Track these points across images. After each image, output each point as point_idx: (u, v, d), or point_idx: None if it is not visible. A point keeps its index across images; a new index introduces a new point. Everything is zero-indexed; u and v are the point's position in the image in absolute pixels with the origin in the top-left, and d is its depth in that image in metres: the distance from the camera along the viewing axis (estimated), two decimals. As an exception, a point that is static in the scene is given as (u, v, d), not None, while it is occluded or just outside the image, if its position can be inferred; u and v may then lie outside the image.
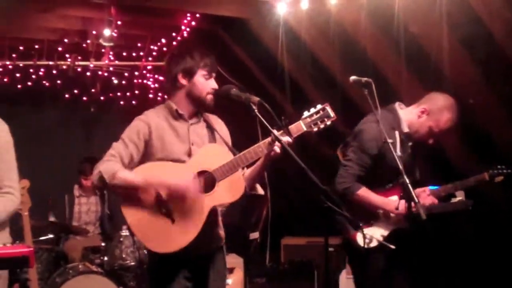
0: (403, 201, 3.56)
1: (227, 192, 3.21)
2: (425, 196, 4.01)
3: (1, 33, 6.87)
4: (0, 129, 3.16)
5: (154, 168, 3.23)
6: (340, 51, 5.64)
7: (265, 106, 2.99)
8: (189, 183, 3.12)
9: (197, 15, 6.62)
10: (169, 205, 3.16)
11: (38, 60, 7.35)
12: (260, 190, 3.43)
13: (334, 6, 5.04)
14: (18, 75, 7.50)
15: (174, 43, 7.23)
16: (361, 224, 3.57)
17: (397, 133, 3.94)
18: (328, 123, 3.23)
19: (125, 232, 5.74)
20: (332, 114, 3.22)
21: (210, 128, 3.40)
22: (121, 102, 8.34)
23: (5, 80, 7.50)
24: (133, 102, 8.35)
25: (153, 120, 3.29)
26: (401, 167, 3.40)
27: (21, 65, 7.40)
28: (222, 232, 3.45)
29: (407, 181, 3.35)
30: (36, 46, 7.25)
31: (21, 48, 7.25)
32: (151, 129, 3.25)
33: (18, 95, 7.71)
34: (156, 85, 8.21)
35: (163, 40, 7.39)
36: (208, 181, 3.20)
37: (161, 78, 8.06)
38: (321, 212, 2.82)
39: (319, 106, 3.23)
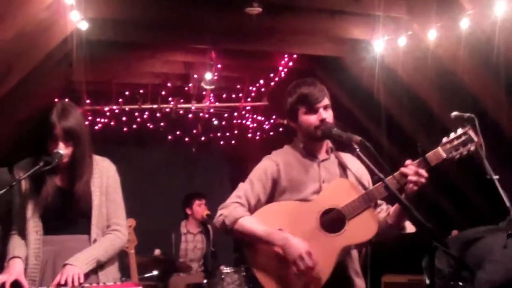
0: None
1: (359, 230, 2.91)
2: None
3: (108, 79, 7.21)
4: (108, 169, 3.28)
5: (276, 210, 3.04)
6: (438, 86, 5.58)
7: (367, 145, 2.84)
8: (303, 254, 2.82)
9: (294, 56, 6.74)
10: None
11: (142, 103, 7.65)
12: (410, 228, 3.05)
13: (432, 41, 5.01)
14: (124, 118, 7.82)
15: (272, 83, 7.38)
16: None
17: None
18: (472, 148, 2.86)
19: (226, 269, 5.82)
20: (475, 138, 2.85)
21: (342, 166, 3.16)
22: (221, 142, 8.56)
23: (112, 123, 7.83)
24: (232, 141, 8.56)
25: (282, 158, 3.13)
26: (508, 204, 3.33)
27: (126, 109, 7.71)
28: (359, 280, 3.08)
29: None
30: (141, 91, 7.56)
31: (126, 93, 7.57)
32: (280, 167, 3.08)
33: (124, 137, 8.04)
34: (255, 124, 8.39)
35: (261, 81, 7.54)
36: (337, 219, 2.94)
37: (259, 118, 8.24)
38: (426, 250, 2.74)
39: (459, 131, 2.88)
